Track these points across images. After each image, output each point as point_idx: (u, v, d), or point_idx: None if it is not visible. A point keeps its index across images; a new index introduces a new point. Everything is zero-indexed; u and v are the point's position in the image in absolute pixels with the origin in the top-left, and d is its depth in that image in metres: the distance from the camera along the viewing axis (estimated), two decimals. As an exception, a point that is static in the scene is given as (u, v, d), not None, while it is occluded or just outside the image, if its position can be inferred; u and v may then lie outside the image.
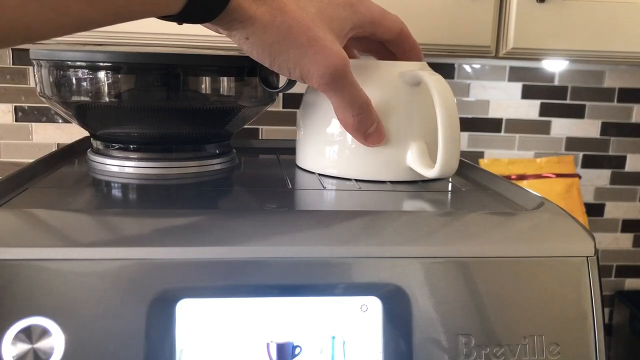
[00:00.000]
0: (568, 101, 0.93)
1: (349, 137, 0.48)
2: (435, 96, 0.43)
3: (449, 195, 0.47)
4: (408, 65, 0.48)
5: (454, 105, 0.43)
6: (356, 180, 0.48)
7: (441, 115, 0.43)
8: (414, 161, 0.47)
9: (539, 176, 0.93)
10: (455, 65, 0.90)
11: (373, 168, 0.48)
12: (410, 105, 0.47)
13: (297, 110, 0.53)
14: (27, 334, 0.30)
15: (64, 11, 0.29)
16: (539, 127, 0.93)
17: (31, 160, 0.48)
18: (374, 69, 0.48)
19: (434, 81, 0.43)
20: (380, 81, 0.47)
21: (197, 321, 0.33)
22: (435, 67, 0.51)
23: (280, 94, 0.85)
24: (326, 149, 0.49)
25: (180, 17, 0.34)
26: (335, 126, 0.48)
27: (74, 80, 0.45)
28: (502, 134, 0.93)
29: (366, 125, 0.43)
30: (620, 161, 0.96)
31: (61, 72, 0.46)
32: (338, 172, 0.49)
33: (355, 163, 0.48)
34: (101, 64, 0.45)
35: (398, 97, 0.47)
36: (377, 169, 0.48)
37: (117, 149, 0.50)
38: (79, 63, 0.45)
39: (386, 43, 0.46)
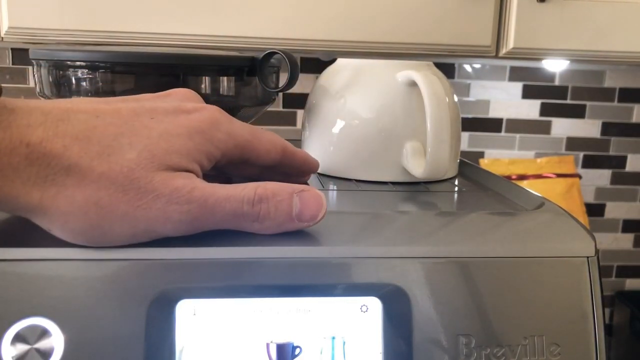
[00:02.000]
0: (568, 101, 0.93)
1: (354, 138, 0.48)
2: (425, 97, 0.43)
3: (449, 195, 0.47)
4: (409, 65, 0.48)
5: (446, 106, 0.43)
6: (356, 180, 0.48)
7: (430, 116, 0.43)
8: (408, 161, 0.47)
9: (539, 176, 0.93)
10: (456, 65, 0.90)
11: (377, 169, 0.48)
12: (407, 105, 0.47)
13: (298, 111, 0.53)
14: (27, 334, 0.30)
15: None
16: (540, 127, 0.93)
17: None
18: (372, 69, 0.48)
19: (425, 82, 0.43)
20: (378, 81, 0.48)
21: (196, 321, 0.32)
22: (436, 67, 0.51)
23: (280, 94, 0.85)
24: (331, 150, 0.49)
25: None
26: (339, 127, 0.48)
27: (73, 80, 0.45)
28: (503, 134, 0.93)
29: (280, 208, 0.31)
30: (620, 161, 0.96)
31: (61, 72, 0.46)
32: (343, 173, 0.49)
33: (359, 164, 0.48)
34: (101, 64, 0.45)
35: (395, 97, 0.47)
36: (381, 170, 0.48)
37: (117, 149, 0.49)
38: (78, 63, 0.45)
39: (271, 167, 0.35)
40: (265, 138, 0.34)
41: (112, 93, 0.45)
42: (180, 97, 0.33)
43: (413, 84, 0.46)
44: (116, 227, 0.28)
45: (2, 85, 0.83)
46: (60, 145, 0.26)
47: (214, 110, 0.31)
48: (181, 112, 0.30)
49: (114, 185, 0.27)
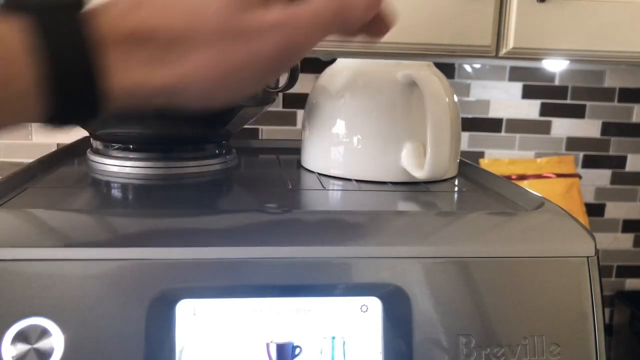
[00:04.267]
0: (568, 101, 0.93)
1: (354, 137, 0.48)
2: (425, 97, 0.43)
3: (449, 195, 0.47)
4: (409, 65, 0.48)
5: (446, 106, 0.43)
6: (357, 180, 0.48)
7: (430, 117, 0.43)
8: (407, 162, 0.47)
9: (539, 176, 0.93)
10: (456, 65, 0.90)
11: (376, 169, 0.48)
12: (407, 106, 0.47)
13: (298, 111, 0.53)
14: (27, 334, 0.30)
15: None
16: (540, 127, 0.93)
17: (31, 160, 0.48)
18: (372, 69, 0.48)
19: (426, 82, 0.43)
20: (378, 81, 0.47)
21: (197, 321, 0.33)
22: (436, 67, 0.51)
23: (280, 94, 0.85)
24: (331, 149, 0.49)
25: (52, 123, 0.27)
26: (339, 127, 0.48)
27: (74, 80, 0.45)
28: (503, 134, 0.93)
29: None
30: (620, 161, 0.96)
31: (61, 72, 0.46)
32: (342, 173, 0.49)
33: (359, 164, 0.48)
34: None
35: (395, 97, 0.47)
36: (381, 170, 0.48)
37: (116, 149, 0.50)
38: (79, 63, 0.45)
39: None
40: None
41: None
42: None
43: (413, 84, 0.45)
44: (237, 77, 0.29)
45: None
46: (156, 22, 0.26)
47: None
48: None
49: (222, 40, 0.28)
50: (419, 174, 0.45)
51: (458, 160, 0.53)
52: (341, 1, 0.30)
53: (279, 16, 0.29)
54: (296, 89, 0.48)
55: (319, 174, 0.51)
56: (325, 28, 0.30)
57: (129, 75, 0.26)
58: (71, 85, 0.25)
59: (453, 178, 0.52)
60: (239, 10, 0.28)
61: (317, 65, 0.83)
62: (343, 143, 0.48)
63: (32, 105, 0.25)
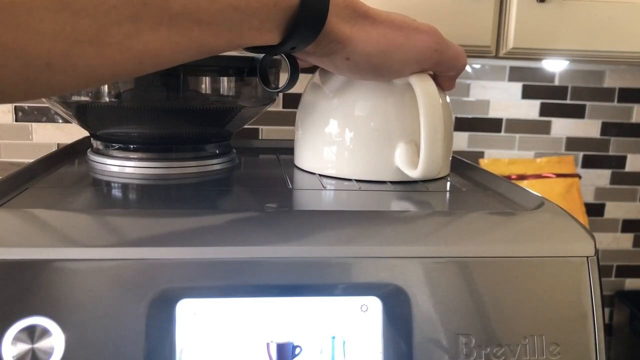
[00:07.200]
0: (568, 101, 0.93)
1: (347, 137, 0.48)
2: (418, 97, 0.43)
3: (449, 195, 0.47)
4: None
5: (439, 105, 0.43)
6: (356, 180, 0.48)
7: (423, 116, 0.43)
8: (401, 161, 0.47)
9: (539, 176, 0.93)
10: (456, 65, 0.90)
11: (370, 168, 0.48)
12: (401, 106, 0.47)
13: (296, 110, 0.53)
14: (27, 334, 0.30)
15: (187, 35, 0.31)
16: (539, 127, 0.93)
17: (31, 160, 0.48)
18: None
19: (419, 82, 0.43)
20: (372, 81, 0.47)
21: (197, 321, 0.33)
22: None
23: (280, 94, 0.85)
24: (324, 149, 0.49)
25: (278, 47, 0.37)
26: (333, 126, 0.48)
27: (74, 80, 0.45)
28: (502, 134, 0.93)
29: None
30: (620, 161, 0.96)
31: (61, 72, 0.46)
32: (336, 172, 0.49)
33: (352, 163, 0.48)
34: (101, 64, 0.44)
35: (388, 96, 0.47)
36: (374, 169, 0.48)
37: (117, 149, 0.50)
38: (79, 63, 0.45)
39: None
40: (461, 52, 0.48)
41: (112, 92, 0.45)
42: None
43: (406, 83, 0.45)
44: (395, 54, 0.41)
45: None
46: (360, 4, 0.39)
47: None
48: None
49: (394, 24, 0.41)
50: (413, 173, 0.46)
51: (450, 159, 0.53)
52: (463, 62, 0.46)
53: (432, 27, 0.43)
54: (296, 89, 0.48)
55: (319, 174, 0.51)
56: (441, 57, 0.43)
57: (335, 21, 0.37)
58: (310, 15, 0.36)
59: (447, 176, 0.52)
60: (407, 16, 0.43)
61: (316, 66, 0.83)
62: (336, 142, 0.48)
63: (276, 26, 0.35)
